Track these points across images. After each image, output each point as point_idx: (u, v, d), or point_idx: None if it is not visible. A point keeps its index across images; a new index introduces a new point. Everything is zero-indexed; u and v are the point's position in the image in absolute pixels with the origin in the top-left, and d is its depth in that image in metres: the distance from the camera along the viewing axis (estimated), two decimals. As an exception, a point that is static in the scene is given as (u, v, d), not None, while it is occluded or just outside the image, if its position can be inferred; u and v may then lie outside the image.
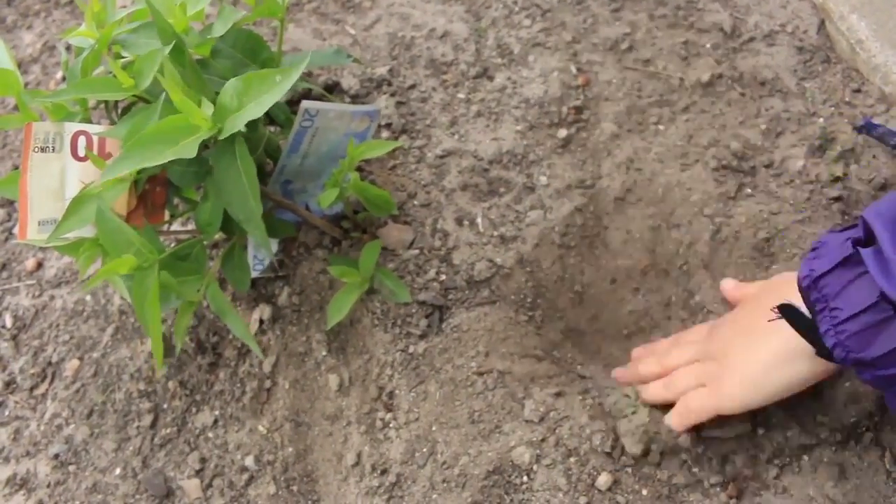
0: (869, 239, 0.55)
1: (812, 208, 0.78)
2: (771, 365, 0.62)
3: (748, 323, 0.66)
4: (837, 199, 0.78)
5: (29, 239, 0.65)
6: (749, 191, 0.81)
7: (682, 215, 0.81)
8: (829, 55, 0.89)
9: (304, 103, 0.69)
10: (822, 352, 0.58)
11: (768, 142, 0.84)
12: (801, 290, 0.58)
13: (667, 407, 0.69)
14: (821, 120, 0.84)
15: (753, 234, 0.78)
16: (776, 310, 0.60)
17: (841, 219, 0.76)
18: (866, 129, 0.80)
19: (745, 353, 0.64)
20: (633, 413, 0.70)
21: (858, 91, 0.85)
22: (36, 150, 0.66)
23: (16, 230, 1.00)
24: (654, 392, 0.70)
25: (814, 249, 0.59)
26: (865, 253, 0.54)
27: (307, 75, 0.95)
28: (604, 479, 0.66)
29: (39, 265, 0.96)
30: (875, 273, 0.52)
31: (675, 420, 0.68)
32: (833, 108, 0.85)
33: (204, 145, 0.63)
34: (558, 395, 0.73)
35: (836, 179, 0.79)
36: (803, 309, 0.59)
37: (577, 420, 0.71)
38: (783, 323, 0.60)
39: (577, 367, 0.77)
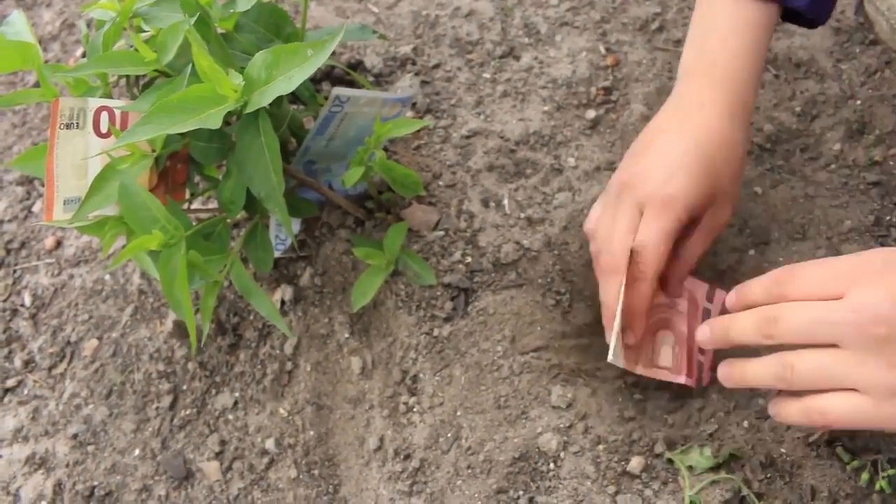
0: None
1: (849, 193, 0.76)
2: None
3: None
4: (875, 183, 0.75)
5: (55, 220, 0.64)
6: (784, 174, 0.79)
7: (713, 199, 0.79)
8: (868, 36, 0.86)
9: (336, 90, 0.67)
10: None
11: (803, 125, 0.82)
12: None
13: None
14: (858, 103, 0.82)
15: (788, 218, 0.75)
16: None
17: (879, 203, 0.74)
18: (907, 112, 0.78)
19: None
20: None
21: (898, 73, 0.83)
22: (62, 126, 0.64)
23: (35, 208, 0.99)
24: (763, 372, 0.54)
25: None
26: None
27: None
28: (636, 462, 0.64)
29: (59, 244, 0.95)
30: None
31: (795, 414, 0.53)
32: (871, 91, 0.82)
33: (226, 122, 0.61)
34: (586, 381, 0.72)
35: (874, 163, 0.77)
36: None
37: (606, 407, 0.69)
38: None
39: (605, 353, 0.75)
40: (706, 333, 0.59)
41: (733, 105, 0.65)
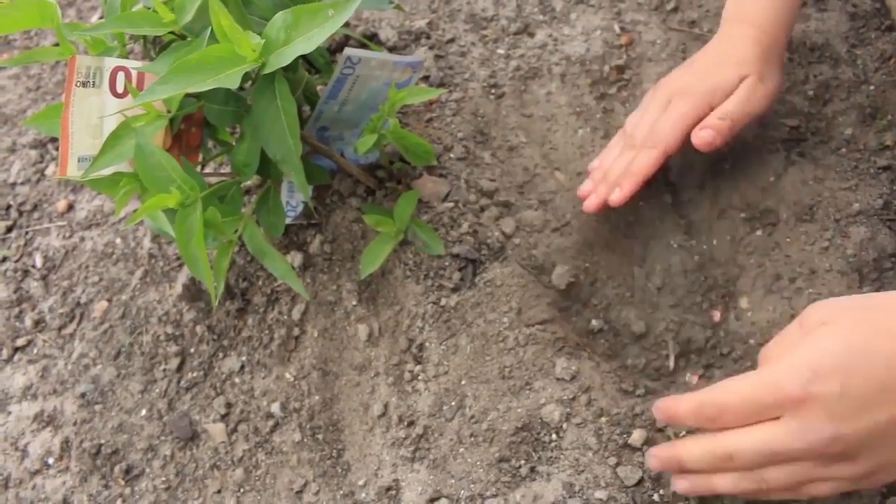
0: None
1: (859, 176, 0.76)
2: None
3: None
4: (886, 168, 0.76)
5: (69, 175, 0.65)
6: (795, 157, 0.79)
7: (723, 180, 0.80)
8: (884, 22, 0.86)
9: (347, 50, 0.67)
10: None
11: (815, 108, 0.82)
12: None
13: None
14: (871, 88, 0.82)
15: (797, 200, 0.76)
16: None
17: (889, 188, 0.74)
18: (919, 97, 0.78)
19: None
20: None
21: (912, 60, 0.83)
22: (78, 84, 0.65)
23: (48, 171, 1.00)
24: (735, 486, 0.55)
25: None
26: None
27: (344, 25, 0.93)
28: (638, 435, 0.65)
29: (70, 206, 0.96)
30: None
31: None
32: (885, 77, 0.82)
33: (240, 86, 0.62)
34: (590, 354, 0.72)
35: (885, 148, 0.77)
36: None
37: (609, 380, 0.70)
38: None
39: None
40: (654, 463, 0.59)
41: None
